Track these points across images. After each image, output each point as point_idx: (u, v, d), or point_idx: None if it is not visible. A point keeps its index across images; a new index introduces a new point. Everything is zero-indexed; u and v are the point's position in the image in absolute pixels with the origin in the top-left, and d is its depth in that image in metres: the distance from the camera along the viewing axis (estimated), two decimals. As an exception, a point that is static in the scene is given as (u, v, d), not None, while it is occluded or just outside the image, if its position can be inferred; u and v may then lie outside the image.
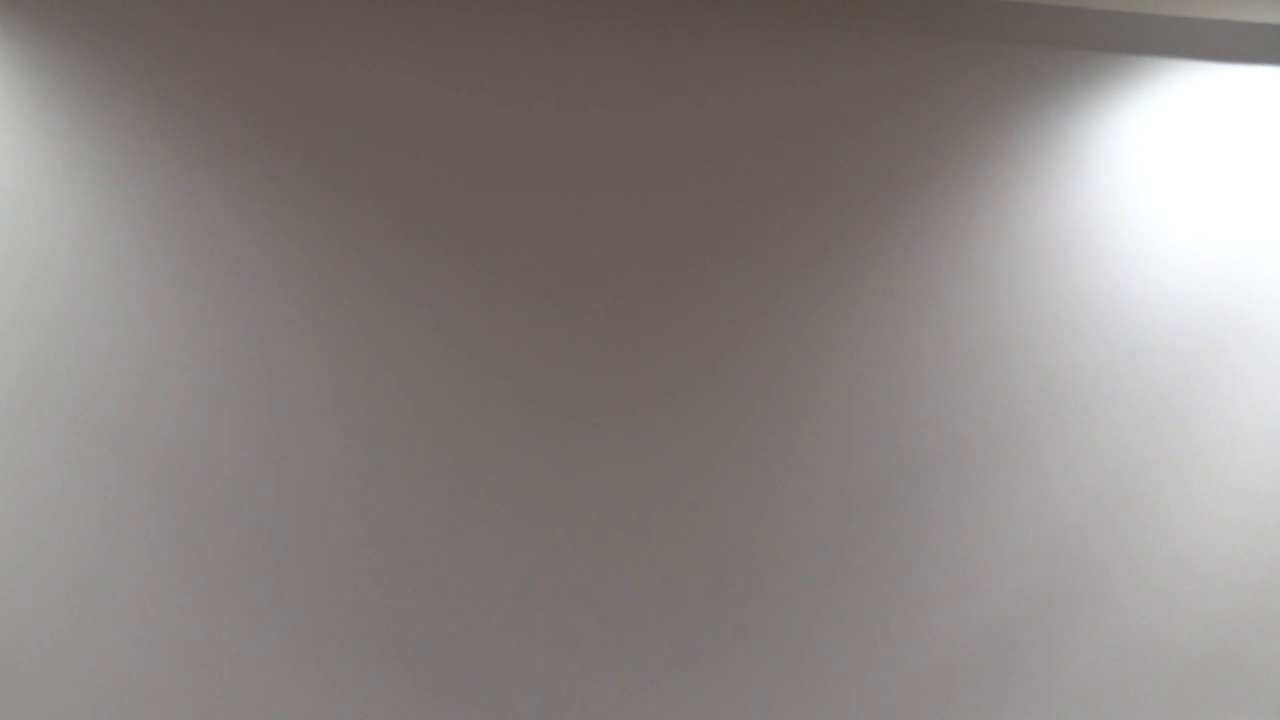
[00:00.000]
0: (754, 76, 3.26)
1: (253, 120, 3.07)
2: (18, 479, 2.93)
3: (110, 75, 3.03)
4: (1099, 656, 3.26)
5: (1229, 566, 3.32)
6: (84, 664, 2.92)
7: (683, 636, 3.13)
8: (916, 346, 3.25)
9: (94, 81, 3.02)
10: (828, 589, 3.18)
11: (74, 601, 2.93)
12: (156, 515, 2.97)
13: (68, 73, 3.02)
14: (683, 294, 3.19)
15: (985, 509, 3.25)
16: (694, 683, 3.13)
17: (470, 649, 3.06)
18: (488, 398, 3.10)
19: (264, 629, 2.99)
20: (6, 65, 3.00)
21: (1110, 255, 3.33)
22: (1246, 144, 3.41)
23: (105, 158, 3.01)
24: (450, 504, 3.07)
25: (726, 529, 3.16)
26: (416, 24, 3.15)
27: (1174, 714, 3.28)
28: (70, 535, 2.93)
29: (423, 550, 3.05)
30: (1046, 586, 3.25)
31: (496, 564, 3.08)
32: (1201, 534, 3.31)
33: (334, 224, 3.08)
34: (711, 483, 3.16)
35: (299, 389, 3.04)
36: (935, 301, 3.27)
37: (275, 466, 3.02)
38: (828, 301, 3.23)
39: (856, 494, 3.20)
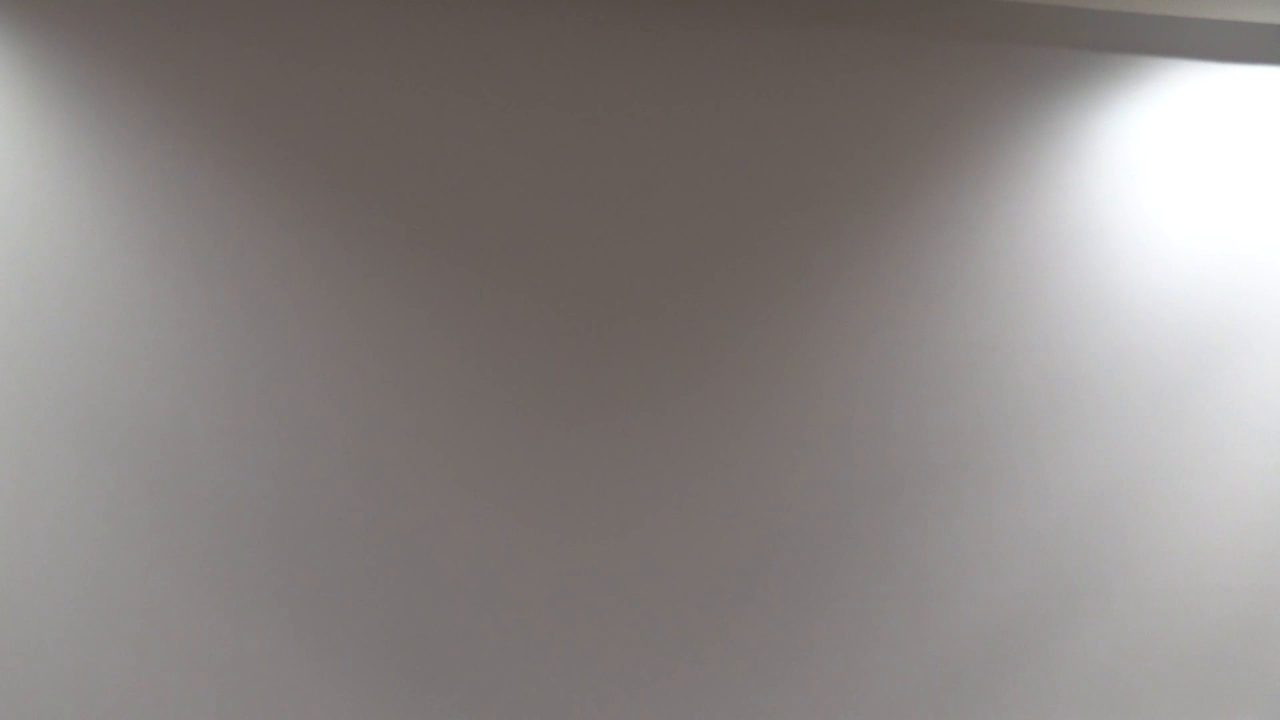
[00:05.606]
0: (754, 78, 3.26)
1: (253, 121, 3.07)
2: (18, 478, 2.93)
3: (110, 75, 3.03)
4: (1099, 656, 3.26)
5: (1229, 566, 3.32)
6: (84, 664, 2.92)
7: (684, 637, 3.13)
8: (916, 347, 3.25)
9: (94, 81, 3.02)
10: (828, 589, 3.18)
11: (74, 601, 2.93)
12: (156, 515, 2.97)
13: (68, 73, 3.02)
14: (684, 295, 3.19)
15: (985, 509, 3.25)
16: (695, 683, 3.13)
17: (470, 650, 3.06)
18: (488, 400, 3.11)
19: (264, 629, 2.99)
20: (6, 65, 3.00)
21: (1110, 255, 3.34)
22: (1246, 144, 3.41)
23: (105, 158, 3.01)
24: (450, 506, 3.07)
25: (727, 530, 3.16)
26: (419, 26, 3.15)
27: (1174, 714, 3.28)
28: (70, 534, 2.93)
29: (422, 552, 3.05)
30: (1046, 587, 3.25)
31: (497, 565, 3.08)
32: (1201, 534, 3.31)
33: (335, 225, 3.08)
34: (712, 483, 3.16)
35: (299, 390, 3.04)
36: (935, 302, 3.27)
37: (275, 466, 3.02)
38: (828, 302, 3.23)
39: (857, 494, 3.20)
